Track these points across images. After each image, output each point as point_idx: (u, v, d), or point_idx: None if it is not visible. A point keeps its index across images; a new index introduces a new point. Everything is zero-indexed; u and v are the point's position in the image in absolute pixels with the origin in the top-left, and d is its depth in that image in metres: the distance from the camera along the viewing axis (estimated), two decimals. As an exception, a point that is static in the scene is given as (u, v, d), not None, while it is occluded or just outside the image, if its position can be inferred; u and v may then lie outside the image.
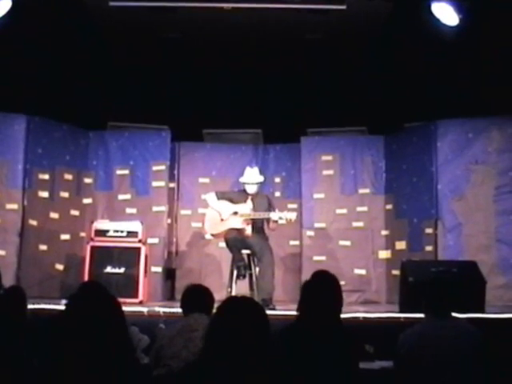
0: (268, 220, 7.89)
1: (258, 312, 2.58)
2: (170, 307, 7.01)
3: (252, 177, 8.14)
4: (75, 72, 9.54)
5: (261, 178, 8.21)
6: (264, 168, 10.11)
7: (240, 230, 7.87)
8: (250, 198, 8.08)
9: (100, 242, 8.59)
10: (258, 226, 7.96)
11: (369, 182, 9.81)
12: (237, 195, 8.23)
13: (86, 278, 8.26)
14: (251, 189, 8.09)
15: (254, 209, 7.96)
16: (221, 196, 8.18)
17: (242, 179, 8.21)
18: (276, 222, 7.87)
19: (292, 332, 3.86)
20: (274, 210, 7.83)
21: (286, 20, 8.66)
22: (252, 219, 7.90)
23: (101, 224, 8.84)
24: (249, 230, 7.87)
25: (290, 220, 7.78)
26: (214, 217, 8.10)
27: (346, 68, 9.90)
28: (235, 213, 7.97)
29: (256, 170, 8.26)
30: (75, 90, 9.58)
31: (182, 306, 4.78)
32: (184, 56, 9.77)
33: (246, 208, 7.97)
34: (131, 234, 8.66)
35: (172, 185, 10.04)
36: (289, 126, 10.04)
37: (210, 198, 8.22)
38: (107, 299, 2.72)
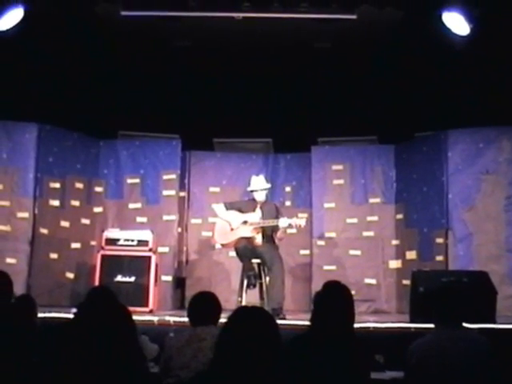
0: (276, 229, 7.87)
1: (268, 322, 2.57)
2: (180, 316, 7.00)
3: (259, 184, 8.14)
4: (86, 81, 9.59)
5: (268, 185, 8.21)
6: (274, 177, 10.12)
7: (250, 239, 7.86)
8: (258, 206, 8.08)
9: (110, 251, 8.61)
10: (267, 234, 7.95)
11: (379, 191, 9.79)
12: (245, 204, 8.23)
13: (97, 286, 8.26)
14: (260, 196, 8.08)
15: (263, 217, 7.96)
16: (229, 206, 8.18)
17: (249, 188, 8.21)
18: (284, 231, 7.85)
19: (303, 342, 3.84)
20: (282, 217, 7.81)
21: (295, 29, 8.66)
22: (261, 227, 7.89)
23: (111, 233, 8.85)
24: (259, 239, 7.86)
25: (300, 226, 7.76)
26: (223, 227, 8.10)
27: (356, 77, 9.90)
28: (245, 222, 7.96)
29: (262, 177, 8.27)
30: (86, 98, 9.62)
31: (189, 316, 4.76)
32: (194, 64, 9.80)
33: (255, 216, 7.97)
34: (141, 242, 8.66)
35: (182, 194, 10.05)
36: (299, 135, 10.03)
37: (219, 208, 8.22)
38: (117, 307, 2.71)
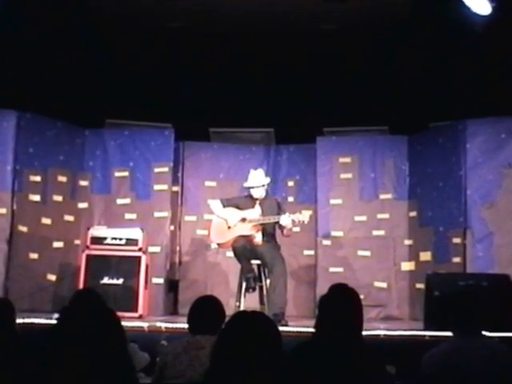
0: (281, 227, 7.87)
1: (269, 328, 2.57)
2: (172, 322, 7.01)
3: (257, 179, 8.12)
4: (70, 65, 9.54)
5: (267, 180, 8.20)
6: (276, 171, 10.13)
7: (249, 237, 7.86)
8: (257, 202, 8.08)
9: (96, 251, 8.61)
10: (268, 232, 7.94)
11: (390, 186, 9.79)
12: (243, 201, 8.22)
13: (81, 289, 8.26)
14: (258, 193, 8.07)
15: (263, 213, 7.95)
16: (226, 203, 8.18)
17: (246, 184, 8.20)
18: (291, 227, 7.85)
19: (307, 350, 3.84)
20: (284, 213, 7.81)
21: (299, 9, 8.63)
22: (261, 224, 7.89)
23: (97, 231, 8.85)
24: (258, 238, 7.86)
25: (303, 222, 7.76)
26: (220, 224, 8.09)
27: (365, 62, 9.86)
28: (243, 219, 7.96)
29: (261, 171, 8.26)
30: (70, 83, 9.59)
31: (189, 323, 4.74)
32: (189, 47, 9.75)
33: (255, 213, 7.96)
34: (130, 241, 8.66)
35: (175, 188, 10.05)
36: (303, 124, 10.01)
37: (215, 205, 8.21)
38: (104, 312, 2.70)
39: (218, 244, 8.26)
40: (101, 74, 9.91)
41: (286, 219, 7.68)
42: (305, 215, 7.74)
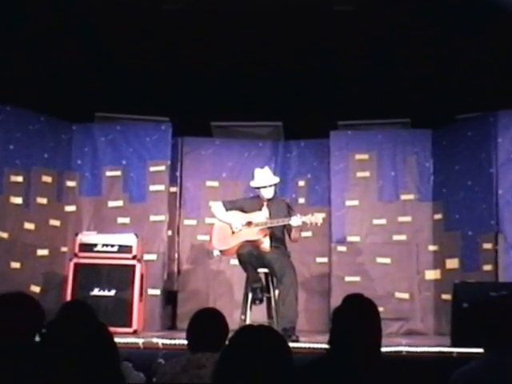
0: (289, 230, 7.87)
1: (278, 344, 2.56)
2: (170, 338, 7.01)
3: (265, 179, 8.13)
4: (55, 52, 9.52)
5: (276, 179, 8.21)
6: (285, 169, 10.13)
7: (256, 242, 7.86)
8: (265, 204, 8.08)
9: (85, 259, 8.63)
10: (277, 237, 7.96)
11: (413, 186, 9.79)
12: (249, 203, 8.24)
13: (69, 301, 8.27)
14: (267, 193, 8.09)
15: (271, 216, 7.96)
16: (230, 206, 8.19)
17: (253, 184, 8.21)
18: (299, 230, 7.84)
19: (320, 369, 3.83)
20: (294, 215, 7.81)
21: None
22: (269, 228, 7.89)
23: (87, 237, 8.86)
24: (266, 243, 7.86)
25: (316, 224, 7.75)
26: (223, 229, 8.10)
27: (383, 47, 9.82)
28: (248, 223, 7.97)
29: (267, 169, 8.27)
30: (55, 73, 9.58)
31: (188, 339, 4.74)
32: (187, 32, 9.73)
33: (261, 216, 7.97)
34: (123, 248, 8.68)
35: (173, 189, 10.06)
36: (315, 117, 9.99)
37: (217, 209, 8.22)
38: (96, 327, 2.71)
39: (221, 251, 8.26)
40: (89, 62, 9.89)
41: (296, 220, 7.68)
42: (318, 217, 7.75)
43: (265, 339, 2.55)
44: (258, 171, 8.20)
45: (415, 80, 9.73)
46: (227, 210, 8.15)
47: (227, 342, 2.60)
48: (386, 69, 9.79)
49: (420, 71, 9.68)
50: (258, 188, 8.15)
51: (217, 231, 8.17)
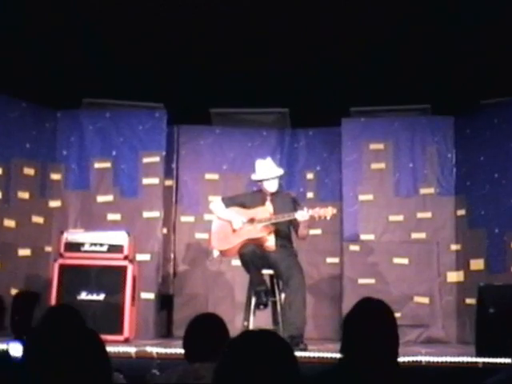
0: (296, 226, 7.87)
1: (283, 353, 2.55)
2: (165, 347, 7.02)
3: (267, 171, 8.13)
4: (38, 33, 9.51)
5: (280, 171, 8.22)
6: (292, 160, 10.14)
7: (259, 241, 7.86)
8: (268, 198, 8.09)
9: (72, 260, 8.63)
10: (282, 235, 7.96)
11: (433, 178, 9.79)
12: (250, 198, 8.26)
13: (54, 306, 8.28)
14: (271, 186, 8.09)
15: (276, 211, 7.96)
16: (229, 202, 8.20)
17: (254, 176, 8.21)
18: (307, 225, 7.83)
19: (331, 380, 3.84)
20: (301, 209, 7.81)
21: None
22: (274, 224, 7.89)
23: (73, 235, 8.86)
24: (271, 241, 7.87)
25: (325, 218, 7.73)
26: (223, 228, 8.10)
27: (401, 25, 9.81)
28: (251, 219, 7.96)
29: (270, 160, 8.26)
30: (39, 55, 9.58)
31: (185, 348, 4.75)
32: (184, 7, 9.71)
33: (265, 212, 7.97)
34: (114, 248, 8.68)
35: (169, 182, 10.08)
36: (325, 103, 9.99)
37: (216, 206, 8.24)
38: (85, 334, 2.70)
39: (222, 250, 8.26)
40: (75, 43, 9.87)
41: (303, 215, 7.66)
42: (327, 210, 7.73)
43: (268, 346, 2.53)
44: (259, 162, 8.20)
45: (436, 61, 9.71)
46: (227, 206, 8.15)
47: (226, 349, 2.58)
48: (402, 49, 9.75)
49: (441, 51, 9.64)
50: (261, 181, 8.15)
51: (216, 229, 8.17)
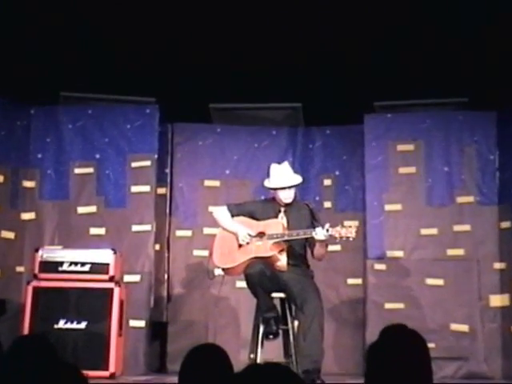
0: (312, 244, 7.84)
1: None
2: None
3: (285, 178, 8.10)
4: (10, 18, 9.53)
5: (299, 179, 8.18)
6: (306, 164, 10.17)
7: (269, 259, 7.84)
8: (282, 210, 8.07)
9: (48, 282, 8.66)
10: (295, 254, 7.96)
11: (472, 185, 9.79)
12: (261, 207, 8.24)
13: (27, 336, 8.28)
14: (287, 196, 8.07)
15: (290, 226, 7.93)
16: (237, 210, 8.18)
17: (268, 184, 8.18)
18: (325, 244, 7.80)
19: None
20: (319, 225, 7.77)
21: None
22: (287, 242, 7.87)
23: (50, 253, 8.88)
24: (283, 261, 7.85)
25: (348, 239, 7.71)
26: (227, 242, 8.09)
27: (432, 10, 9.81)
28: (260, 234, 7.95)
29: (287, 166, 8.21)
30: (10, 44, 9.58)
31: (180, 383, 4.73)
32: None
33: (277, 226, 7.94)
34: (98, 267, 8.71)
35: (162, 190, 10.09)
36: (344, 97, 9.99)
37: (221, 214, 8.20)
38: (61, 369, 2.69)
39: (225, 269, 8.23)
40: (53, 28, 9.87)
41: (322, 233, 7.63)
42: (350, 230, 7.68)
43: (279, 383, 2.52)
44: (274, 167, 8.16)
45: (474, 48, 9.70)
46: (233, 215, 8.13)
47: (229, 384, 2.57)
48: (434, 34, 9.75)
49: (479, 40, 9.63)
50: (275, 189, 8.11)
51: (219, 244, 8.15)
